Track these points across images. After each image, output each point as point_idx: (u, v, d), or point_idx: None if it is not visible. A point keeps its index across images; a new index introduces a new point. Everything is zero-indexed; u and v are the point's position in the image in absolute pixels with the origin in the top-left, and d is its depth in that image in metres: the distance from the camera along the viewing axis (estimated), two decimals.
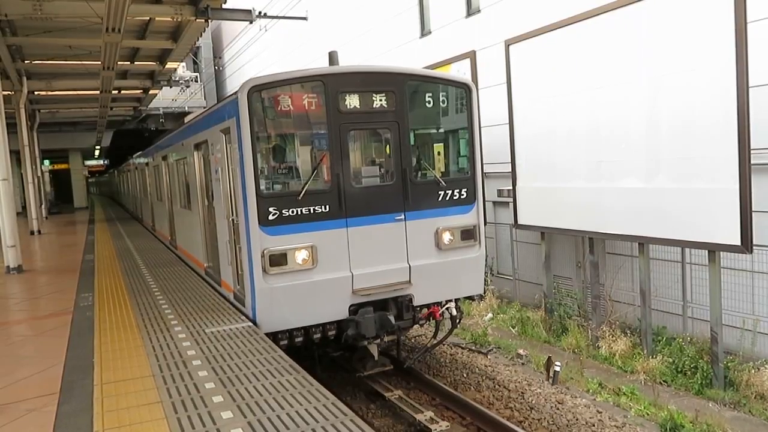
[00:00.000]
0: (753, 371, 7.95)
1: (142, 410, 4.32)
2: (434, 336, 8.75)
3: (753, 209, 7.54)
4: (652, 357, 8.82)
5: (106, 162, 50.42)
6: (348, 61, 10.16)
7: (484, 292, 9.39)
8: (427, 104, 7.70)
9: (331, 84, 6.92)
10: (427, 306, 7.73)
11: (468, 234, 7.81)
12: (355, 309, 7.12)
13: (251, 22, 15.49)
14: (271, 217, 6.67)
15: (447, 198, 7.66)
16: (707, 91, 7.75)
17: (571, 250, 11.47)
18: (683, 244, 8.69)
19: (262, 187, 6.70)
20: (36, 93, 22.03)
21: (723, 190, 7.65)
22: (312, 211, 6.83)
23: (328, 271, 6.93)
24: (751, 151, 7.46)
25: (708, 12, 7.66)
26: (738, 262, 8.57)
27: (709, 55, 7.69)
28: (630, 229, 9.04)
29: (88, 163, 48.97)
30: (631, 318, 10.00)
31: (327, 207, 6.90)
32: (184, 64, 28.07)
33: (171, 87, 25.45)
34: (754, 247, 7.67)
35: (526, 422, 7.31)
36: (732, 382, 8.08)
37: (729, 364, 8.22)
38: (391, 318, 7.16)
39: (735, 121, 7.40)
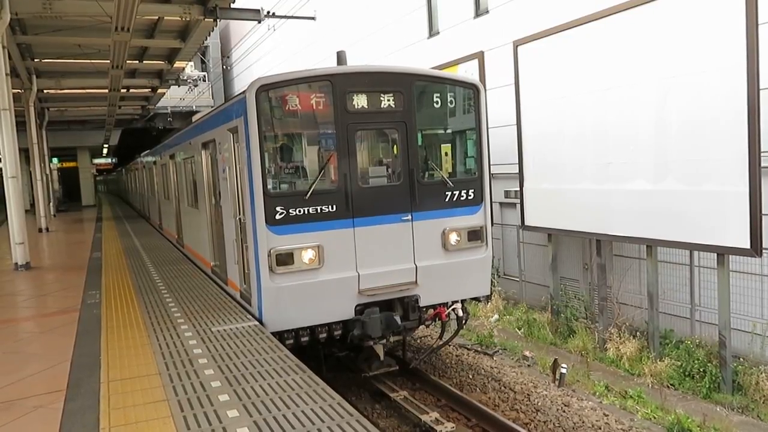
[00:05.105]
0: (762, 375, 7.88)
1: (148, 408, 4.33)
2: (440, 337, 8.73)
3: (763, 212, 7.48)
4: (660, 360, 8.76)
5: (114, 160, 50.65)
6: (356, 61, 10.16)
7: (491, 294, 9.36)
8: (434, 105, 7.68)
9: (339, 84, 6.92)
10: (433, 307, 7.72)
11: (475, 235, 7.78)
12: (361, 309, 7.11)
13: (259, 22, 15.55)
14: (278, 217, 6.67)
15: (454, 199, 7.64)
16: (717, 92, 7.69)
17: (578, 251, 11.42)
18: (692, 247, 8.63)
19: (270, 187, 6.70)
20: (45, 91, 22.16)
21: (733, 192, 7.60)
22: (319, 211, 6.83)
23: (334, 270, 6.92)
24: (762, 154, 7.40)
25: (719, 13, 7.60)
26: (747, 266, 8.50)
27: (719, 56, 7.63)
28: (638, 231, 8.99)
29: (96, 161, 49.15)
30: (638, 321, 9.94)
31: (334, 207, 6.90)
32: (192, 63, 28.16)
33: (179, 86, 25.60)
34: (764, 251, 7.61)
35: (531, 424, 7.28)
36: (740, 386, 8.01)
37: (738, 368, 8.15)
38: (397, 318, 7.15)
39: (746, 123, 7.34)
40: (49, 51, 17.30)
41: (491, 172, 9.13)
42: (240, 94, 6.98)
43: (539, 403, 7.82)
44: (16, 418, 4.46)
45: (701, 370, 8.35)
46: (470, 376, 8.87)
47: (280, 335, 6.71)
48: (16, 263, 11.55)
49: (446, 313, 7.82)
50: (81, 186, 40.36)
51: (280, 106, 6.84)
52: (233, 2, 13.74)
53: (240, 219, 7.45)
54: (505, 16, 13.36)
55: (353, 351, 7.98)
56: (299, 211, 6.75)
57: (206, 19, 13.92)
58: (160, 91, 24.46)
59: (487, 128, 8.39)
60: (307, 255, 6.78)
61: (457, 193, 7.65)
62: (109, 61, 14.38)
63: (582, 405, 7.78)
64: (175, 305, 7.57)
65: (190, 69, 29.70)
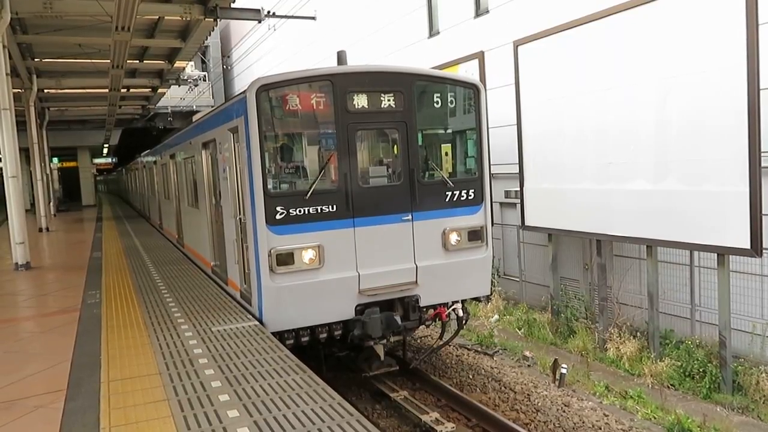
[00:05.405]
0: (762, 375, 7.88)
1: (148, 408, 4.33)
2: (440, 337, 8.73)
3: (763, 212, 7.48)
4: (660, 360, 8.76)
5: (114, 160, 50.67)
6: (356, 61, 10.15)
7: (491, 294, 9.36)
8: (435, 104, 7.68)
9: (340, 84, 6.92)
10: (434, 307, 7.72)
11: (475, 235, 7.78)
12: (361, 309, 7.11)
13: (260, 22, 15.56)
14: (278, 217, 6.67)
15: (454, 199, 7.64)
16: (718, 92, 7.69)
17: (578, 251, 11.42)
18: (692, 247, 8.63)
19: (270, 187, 6.71)
20: (45, 91, 22.16)
21: (733, 192, 7.59)
22: (319, 211, 6.83)
23: (334, 270, 6.92)
24: (762, 154, 7.40)
25: (719, 13, 7.60)
26: (748, 266, 8.50)
27: (720, 56, 7.62)
28: (638, 231, 8.99)
29: (97, 161, 49.18)
30: (638, 321, 9.95)
31: (334, 207, 6.90)
32: (192, 63, 28.15)
33: (179, 86, 25.62)
34: (764, 251, 7.61)
35: (531, 424, 7.28)
36: (741, 386, 8.01)
37: (738, 368, 8.15)
38: (398, 318, 7.15)
39: (746, 123, 7.34)
40: (49, 50, 17.30)
41: (491, 172, 9.13)
42: (240, 93, 6.98)
43: (539, 404, 7.82)
44: (16, 418, 4.46)
45: (701, 370, 8.35)
46: (470, 376, 8.87)
47: (280, 335, 6.71)
48: (17, 263, 11.54)
49: (446, 313, 7.81)
50: (81, 186, 40.34)
51: (280, 105, 6.84)
52: (233, 2, 13.73)
53: (240, 219, 7.45)
54: (506, 16, 13.36)
55: (353, 351, 7.98)
56: (299, 211, 6.75)
57: (207, 19, 13.91)
58: (160, 90, 24.45)
59: (488, 128, 8.38)
60: (308, 255, 6.79)
61: (457, 193, 7.65)
62: (109, 61, 14.38)
63: (582, 405, 7.78)
64: (175, 305, 7.57)
65: (191, 69, 29.69)
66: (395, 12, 18.11)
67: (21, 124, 15.19)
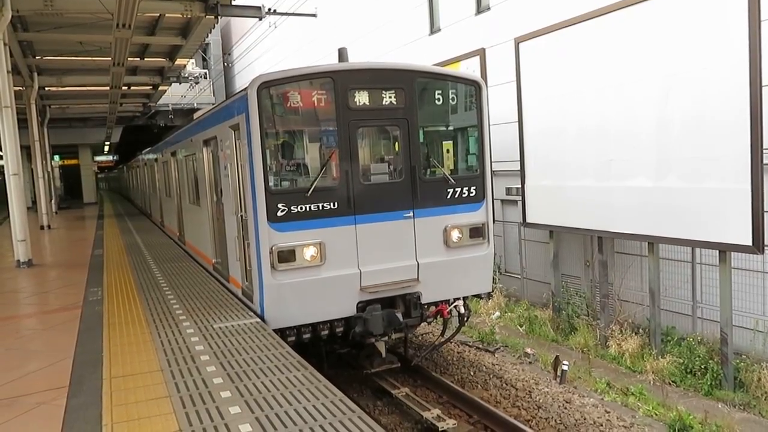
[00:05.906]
0: (764, 372, 7.87)
1: (150, 405, 4.34)
2: (442, 334, 8.74)
3: (765, 209, 7.47)
4: (661, 357, 8.76)
5: (115, 158, 50.69)
6: (357, 58, 10.13)
7: (492, 291, 9.36)
8: (436, 101, 7.67)
9: (341, 81, 6.91)
10: (435, 304, 7.72)
11: (477, 232, 7.78)
12: (363, 306, 7.12)
13: (261, 19, 15.53)
14: (279, 214, 6.67)
15: (456, 196, 7.64)
16: (720, 89, 7.67)
17: (579, 248, 11.42)
18: (693, 244, 8.63)
19: (271, 184, 6.71)
20: (47, 89, 22.16)
21: (734, 189, 7.58)
22: (320, 208, 6.83)
23: (336, 268, 6.93)
24: (764, 151, 7.38)
25: (721, 10, 7.58)
26: (749, 263, 8.49)
27: (721, 53, 7.61)
28: (640, 228, 8.98)
29: (98, 158, 49.18)
30: (640, 318, 9.94)
31: (335, 204, 6.90)
32: (193, 60, 28.11)
33: (180, 83, 25.55)
34: (765, 248, 7.60)
35: (533, 421, 7.29)
36: (742, 383, 8.02)
37: (739, 365, 8.15)
38: (399, 315, 7.16)
39: (748, 121, 7.32)
40: (50, 48, 17.30)
41: (493, 169, 9.12)
42: (241, 91, 6.98)
43: (541, 400, 7.82)
44: (18, 415, 4.47)
45: (703, 366, 8.35)
46: (472, 373, 8.87)
47: (281, 332, 6.72)
48: (18, 260, 11.56)
49: (448, 310, 7.82)
50: (82, 183, 40.33)
51: (281, 103, 6.83)
52: None
53: (242, 216, 7.45)
54: (507, 13, 13.33)
55: (355, 348, 7.98)
56: (301, 208, 6.76)
57: (207, 16, 13.89)
58: (161, 88, 24.46)
59: (489, 125, 8.37)
60: (309, 252, 6.79)
61: (458, 190, 7.65)
62: (110, 59, 14.37)
63: (583, 402, 7.78)
64: (176, 302, 7.58)
65: (192, 66, 29.63)
66: (396, 9, 18.08)
67: (22, 122, 15.20)
